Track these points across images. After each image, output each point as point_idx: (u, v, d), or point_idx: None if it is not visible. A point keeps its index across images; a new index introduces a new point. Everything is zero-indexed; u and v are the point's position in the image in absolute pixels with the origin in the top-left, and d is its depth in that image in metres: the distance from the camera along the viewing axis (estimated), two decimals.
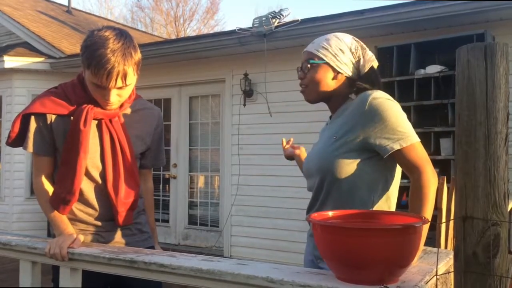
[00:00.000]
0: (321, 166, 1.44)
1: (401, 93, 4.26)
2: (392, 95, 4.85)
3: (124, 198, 1.64)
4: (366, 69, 1.46)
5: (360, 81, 1.46)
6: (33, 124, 1.61)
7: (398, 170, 1.48)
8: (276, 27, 4.93)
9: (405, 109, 4.74)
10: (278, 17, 4.99)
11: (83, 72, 1.58)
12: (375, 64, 1.50)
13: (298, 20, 4.90)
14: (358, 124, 1.37)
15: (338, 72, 1.46)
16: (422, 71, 4.17)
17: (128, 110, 1.71)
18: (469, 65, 0.94)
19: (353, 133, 1.38)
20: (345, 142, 1.39)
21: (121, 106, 1.65)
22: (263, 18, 5.00)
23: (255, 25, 5.03)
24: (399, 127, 1.35)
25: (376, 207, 1.43)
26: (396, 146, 1.35)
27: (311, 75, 1.48)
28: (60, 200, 1.60)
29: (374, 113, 1.35)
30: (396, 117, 1.36)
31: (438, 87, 4.06)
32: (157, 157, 1.84)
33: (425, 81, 4.12)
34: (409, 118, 4.64)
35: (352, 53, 1.47)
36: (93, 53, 1.48)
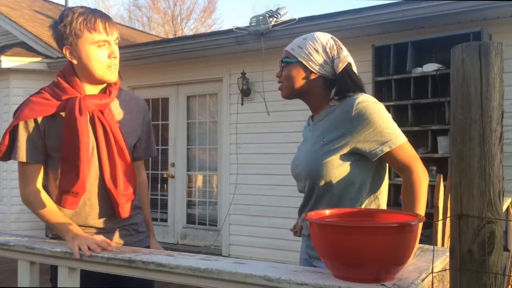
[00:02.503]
0: (310, 171, 1.46)
1: (398, 92, 4.27)
2: (389, 93, 4.84)
3: (123, 189, 1.63)
4: (340, 69, 1.48)
5: (338, 82, 1.48)
6: (22, 132, 1.57)
7: (386, 169, 1.50)
8: (274, 26, 4.93)
9: (402, 107, 4.72)
10: (275, 16, 4.99)
11: (73, 52, 1.59)
12: (351, 63, 1.51)
13: (295, 19, 4.90)
14: (346, 130, 1.40)
15: (311, 71, 1.49)
16: (419, 70, 4.18)
17: (115, 102, 1.70)
18: (463, 64, 0.95)
19: (342, 138, 1.40)
20: (334, 148, 1.41)
21: (110, 93, 1.65)
22: (260, 17, 5.00)
23: (253, 24, 5.03)
24: (387, 129, 1.38)
25: (365, 207, 1.45)
26: (386, 149, 1.37)
27: (285, 73, 1.53)
28: (68, 194, 1.56)
29: (361, 118, 1.38)
30: (382, 120, 1.38)
31: (435, 85, 4.07)
32: (148, 147, 1.84)
33: (422, 79, 4.13)
34: (406, 116, 4.63)
35: (327, 52, 1.49)
36: (79, 17, 1.56)
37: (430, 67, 4.11)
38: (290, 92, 1.54)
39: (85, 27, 1.55)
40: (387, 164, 1.48)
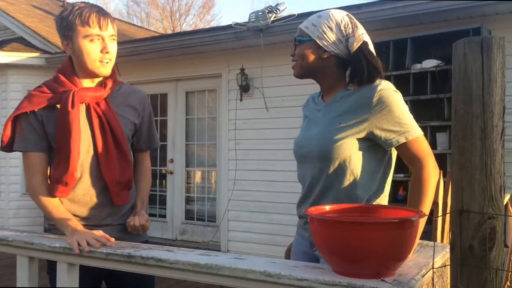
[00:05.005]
0: (324, 152, 1.42)
1: (397, 88, 4.20)
2: None
3: (118, 177, 1.67)
4: (355, 48, 1.43)
5: (352, 63, 1.45)
6: (24, 123, 1.63)
7: (394, 162, 1.49)
8: (273, 21, 4.91)
9: None
10: (275, 11, 4.97)
11: (69, 44, 1.64)
12: (368, 42, 1.47)
13: (294, 15, 4.88)
14: (365, 115, 1.37)
15: (324, 50, 1.46)
16: (418, 66, 4.17)
17: (114, 94, 1.73)
18: (465, 59, 0.94)
19: (360, 123, 1.38)
20: (351, 131, 1.39)
21: (105, 86, 1.68)
22: (260, 13, 4.98)
23: (252, 19, 5.01)
24: (405, 119, 1.37)
25: (374, 196, 1.44)
26: (402, 139, 1.37)
27: (298, 51, 1.50)
28: (59, 184, 1.60)
29: (382, 105, 1.36)
30: (401, 110, 1.38)
31: (434, 81, 4.06)
32: (150, 138, 1.86)
33: (422, 75, 4.13)
34: None
35: (341, 30, 1.44)
36: (76, 11, 1.61)
37: (429, 63, 4.10)
38: (302, 71, 1.51)
39: (79, 21, 1.60)
40: (395, 158, 1.48)
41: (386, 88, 1.39)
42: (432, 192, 1.36)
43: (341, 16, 1.46)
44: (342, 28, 1.44)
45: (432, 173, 1.36)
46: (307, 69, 1.50)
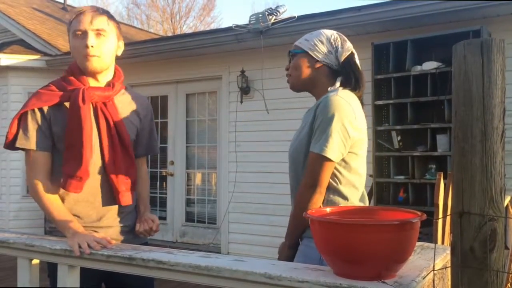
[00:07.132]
0: (291, 157, 1.59)
1: (397, 90, 4.27)
2: (389, 91, 4.83)
3: (124, 177, 1.68)
4: (344, 57, 1.56)
5: (342, 73, 1.56)
6: (30, 121, 1.62)
7: (360, 162, 1.54)
8: (273, 23, 4.92)
9: (402, 105, 4.71)
10: (275, 13, 4.97)
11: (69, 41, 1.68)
12: (354, 53, 1.60)
13: (294, 17, 4.89)
14: (311, 121, 1.51)
15: (316, 60, 1.58)
16: (418, 68, 4.18)
17: (120, 97, 1.74)
18: (465, 61, 0.95)
19: (308, 128, 1.53)
20: (306, 137, 1.53)
21: (113, 86, 1.70)
22: (260, 15, 4.98)
23: (252, 21, 5.02)
24: (324, 133, 1.44)
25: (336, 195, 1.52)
26: (311, 148, 1.48)
27: (293, 63, 1.63)
28: (72, 179, 1.59)
29: (318, 115, 1.47)
30: (328, 124, 1.44)
31: (435, 83, 4.06)
32: (151, 144, 1.87)
33: (422, 77, 4.13)
34: (406, 115, 4.62)
35: (331, 43, 1.58)
36: (74, 13, 1.67)
37: (429, 65, 4.10)
38: (296, 82, 1.63)
39: (70, 18, 1.65)
40: (360, 159, 1.54)
41: (327, 102, 1.46)
42: (293, 219, 1.55)
43: (331, 32, 1.62)
44: (332, 41, 1.58)
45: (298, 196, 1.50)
46: (301, 80, 1.61)
